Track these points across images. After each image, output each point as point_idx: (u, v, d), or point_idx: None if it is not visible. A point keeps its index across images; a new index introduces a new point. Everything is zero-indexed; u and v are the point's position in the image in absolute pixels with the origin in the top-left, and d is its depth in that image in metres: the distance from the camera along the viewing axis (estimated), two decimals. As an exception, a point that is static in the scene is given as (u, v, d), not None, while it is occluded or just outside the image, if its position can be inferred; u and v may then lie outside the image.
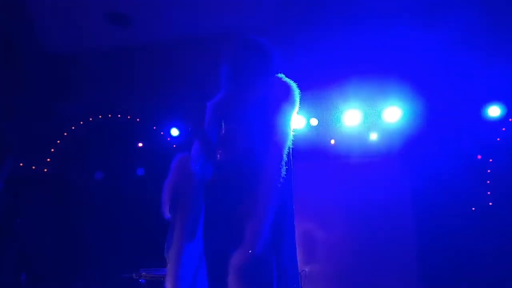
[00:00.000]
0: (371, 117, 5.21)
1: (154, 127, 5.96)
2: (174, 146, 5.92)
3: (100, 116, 5.94)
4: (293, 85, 2.23)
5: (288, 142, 2.10)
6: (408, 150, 5.22)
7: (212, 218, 2.18)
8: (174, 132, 5.87)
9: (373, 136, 5.34)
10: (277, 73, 2.29)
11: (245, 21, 4.77)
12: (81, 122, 5.94)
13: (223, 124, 2.30)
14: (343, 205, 5.14)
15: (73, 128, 5.90)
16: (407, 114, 5.12)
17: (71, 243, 5.49)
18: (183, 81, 5.15)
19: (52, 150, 5.80)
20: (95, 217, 5.58)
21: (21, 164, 5.57)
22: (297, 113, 2.20)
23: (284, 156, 2.07)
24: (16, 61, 5.06)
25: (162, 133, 5.94)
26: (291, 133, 2.13)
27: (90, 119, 5.96)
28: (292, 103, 2.17)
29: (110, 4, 4.81)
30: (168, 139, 5.92)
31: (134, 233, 5.41)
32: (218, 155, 2.26)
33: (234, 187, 2.12)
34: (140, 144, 5.75)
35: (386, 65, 4.75)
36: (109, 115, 5.94)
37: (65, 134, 5.88)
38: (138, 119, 5.91)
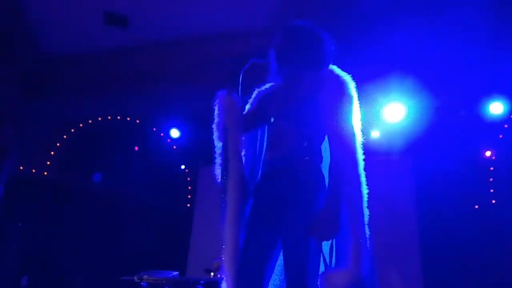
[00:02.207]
0: (372, 115, 5.11)
1: (154, 129, 6.00)
2: (175, 147, 5.96)
3: (99, 119, 5.97)
4: (348, 77, 2.12)
5: (359, 137, 2.02)
6: (410, 148, 5.17)
7: (261, 222, 2.05)
8: (174, 133, 5.88)
9: (375, 134, 5.31)
10: (330, 64, 2.17)
11: (247, 19, 4.72)
12: (81, 125, 5.96)
13: (271, 119, 2.19)
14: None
15: (72, 130, 5.91)
16: (409, 111, 5.04)
17: (72, 245, 5.48)
18: (183, 82, 5.12)
19: (52, 153, 5.81)
20: (96, 219, 5.59)
21: (21, 168, 5.58)
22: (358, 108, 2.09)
23: (360, 152, 1.99)
24: (15, 64, 5.04)
25: (162, 134, 5.97)
26: (359, 129, 2.04)
27: (90, 121, 5.97)
28: (350, 97, 2.05)
29: (108, 5, 4.76)
30: (168, 140, 5.95)
31: (136, 236, 5.41)
32: (267, 154, 2.17)
33: (291, 188, 2.02)
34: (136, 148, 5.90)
35: (388, 61, 4.65)
36: (109, 117, 5.96)
37: (65, 137, 5.90)
38: (137, 121, 5.93)
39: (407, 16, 4.50)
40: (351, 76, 2.09)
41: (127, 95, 5.63)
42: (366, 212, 1.95)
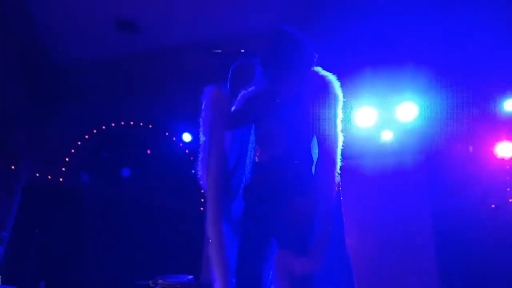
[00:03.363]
0: (384, 114, 5.04)
1: (167, 133, 5.97)
2: (187, 151, 5.89)
3: (113, 124, 5.95)
4: (333, 78, 2.17)
5: (341, 138, 2.08)
6: (423, 148, 5.11)
7: (254, 223, 2.10)
8: (186, 137, 5.86)
9: (386, 136, 5.21)
10: (313, 66, 2.23)
11: (253, 22, 4.61)
12: (95, 131, 5.95)
13: (258, 121, 2.24)
14: (356, 209, 4.91)
15: (86, 137, 5.92)
16: (423, 110, 4.94)
17: (87, 250, 5.51)
18: (193, 86, 4.62)
19: (67, 159, 5.82)
20: (110, 224, 5.61)
21: (37, 175, 5.61)
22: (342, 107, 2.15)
23: (339, 154, 2.05)
24: (27, 72, 5.07)
25: (174, 138, 5.95)
26: (341, 130, 2.10)
27: (103, 127, 5.96)
28: (335, 97, 2.11)
29: (118, 11, 4.77)
30: (181, 144, 5.92)
31: (150, 240, 5.45)
32: (257, 156, 2.19)
33: (282, 189, 2.06)
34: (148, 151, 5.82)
35: (400, 57, 4.57)
36: (122, 123, 5.94)
37: (79, 143, 5.90)
38: (150, 126, 5.92)
39: (419, 13, 4.46)
40: (337, 75, 2.14)
41: (139, 101, 5.62)
42: (337, 214, 2.02)
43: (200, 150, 2.18)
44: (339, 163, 2.05)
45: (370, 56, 4.71)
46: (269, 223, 2.04)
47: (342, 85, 2.16)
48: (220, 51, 2.20)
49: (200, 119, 2.19)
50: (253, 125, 2.32)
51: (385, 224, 4.96)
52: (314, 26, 4.51)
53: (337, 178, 2.03)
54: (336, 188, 2.01)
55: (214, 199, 2.06)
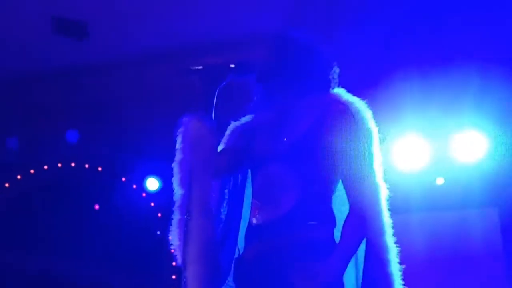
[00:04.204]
0: (439, 151, 4.97)
1: (123, 179, 5.87)
2: (152, 205, 5.83)
3: (45, 167, 5.83)
4: (361, 104, 2.09)
5: (383, 188, 2.02)
6: (496, 202, 5.07)
7: None
8: (152, 184, 5.81)
9: (442, 181, 5.12)
10: (333, 87, 2.18)
11: (248, 24, 4.71)
12: (18, 177, 5.81)
13: (257, 166, 2.19)
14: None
15: (6, 185, 5.80)
16: (494, 145, 4.87)
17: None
18: (164, 113, 4.69)
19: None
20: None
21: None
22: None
23: (383, 210, 2.00)
24: None
25: (134, 186, 5.87)
26: (381, 177, 2.04)
27: (32, 171, 5.81)
28: (367, 131, 2.05)
29: (56, 8, 4.65)
30: (143, 194, 5.86)
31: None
32: (255, 216, 2.13)
33: (290, 265, 2.00)
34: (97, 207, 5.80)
35: (459, 68, 4.55)
36: (59, 165, 5.84)
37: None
38: (99, 168, 5.83)
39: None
40: (367, 102, 2.10)
41: (84, 132, 5.57)
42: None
43: (174, 208, 2.13)
44: (386, 224, 1.99)
45: (415, 67, 4.63)
46: None
47: (376, 113, 2.09)
48: (201, 67, 2.17)
49: (175, 163, 2.15)
50: (250, 171, 2.27)
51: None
52: (333, 28, 4.52)
53: (390, 249, 1.97)
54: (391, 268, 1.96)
55: (196, 281, 2.01)
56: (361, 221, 1.96)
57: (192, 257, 2.03)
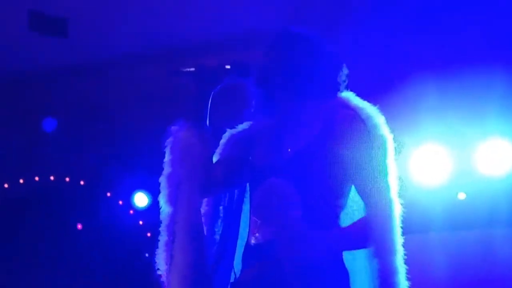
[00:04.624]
0: (461, 163, 4.80)
1: (108, 194, 5.74)
2: (141, 223, 5.70)
3: (21, 181, 5.75)
4: (373, 110, 2.07)
5: (397, 205, 1.99)
6: None
7: None
8: (140, 200, 5.69)
9: (464, 196, 4.93)
10: (341, 91, 2.15)
11: (246, 20, 4.71)
12: None
13: (256, 180, 2.15)
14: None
15: None
16: None
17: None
18: (151, 120, 4.72)
19: None
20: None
21: None
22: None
23: (396, 229, 1.98)
24: None
25: (120, 202, 5.73)
26: (396, 192, 2.02)
27: (6, 185, 5.77)
28: (381, 141, 2.02)
29: (33, 3, 4.64)
30: (131, 212, 5.73)
31: None
32: (254, 236, 2.12)
33: None
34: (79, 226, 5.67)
35: (484, 68, 4.44)
36: (36, 178, 5.73)
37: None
38: (82, 182, 5.68)
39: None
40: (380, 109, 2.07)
41: (63, 140, 5.43)
42: None
43: (161, 228, 2.10)
44: (397, 243, 1.95)
45: (434, 67, 4.56)
46: None
47: (390, 120, 2.08)
48: (193, 69, 2.16)
49: (162, 177, 2.14)
50: (248, 185, 2.26)
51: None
52: (339, 23, 4.48)
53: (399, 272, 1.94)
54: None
55: None
56: (368, 236, 1.96)
57: (179, 284, 2.01)
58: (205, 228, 2.19)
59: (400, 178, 2.05)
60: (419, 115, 4.66)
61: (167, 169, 2.13)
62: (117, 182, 5.72)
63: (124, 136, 5.32)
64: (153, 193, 5.40)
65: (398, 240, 1.96)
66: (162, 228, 2.11)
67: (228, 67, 2.15)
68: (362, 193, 2.04)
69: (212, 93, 2.17)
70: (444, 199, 4.92)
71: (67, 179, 5.73)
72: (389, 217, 1.98)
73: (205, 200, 2.22)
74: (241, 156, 2.25)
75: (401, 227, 1.99)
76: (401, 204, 2.01)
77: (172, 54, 4.88)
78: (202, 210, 2.21)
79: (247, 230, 2.20)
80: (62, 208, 5.66)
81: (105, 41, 4.96)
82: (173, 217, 2.10)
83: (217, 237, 2.24)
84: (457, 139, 4.83)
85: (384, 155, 2.02)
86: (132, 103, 5.19)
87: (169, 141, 2.14)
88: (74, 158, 5.61)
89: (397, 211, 1.98)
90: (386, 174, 2.01)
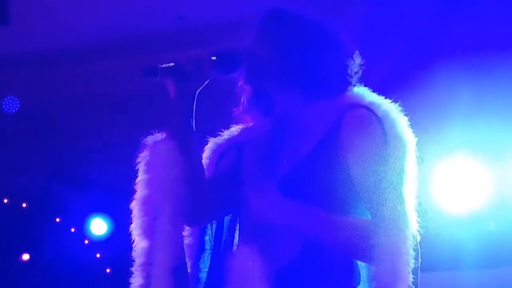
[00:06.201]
0: (497, 183, 4.40)
1: (57, 219, 5.46)
2: (98, 256, 5.41)
3: None
4: (393, 108, 1.79)
5: (414, 223, 1.71)
6: None
7: None
8: (98, 228, 5.43)
9: (500, 225, 4.64)
10: (351, 85, 1.87)
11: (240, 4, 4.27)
12: None
13: (247, 199, 1.88)
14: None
15: None
16: None
17: None
18: (113, 126, 4.88)
19: None
20: None
21: None
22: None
23: (410, 257, 1.68)
24: None
25: (72, 230, 5.47)
26: (413, 208, 1.73)
27: None
28: (400, 144, 1.76)
29: None
30: (86, 242, 5.48)
31: None
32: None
33: None
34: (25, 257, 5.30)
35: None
36: None
37: None
38: (24, 205, 5.41)
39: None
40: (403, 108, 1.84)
41: (3, 155, 5.13)
42: None
43: (135, 267, 1.83)
44: (403, 270, 1.66)
45: (465, 62, 4.21)
46: None
47: (410, 125, 1.78)
48: (172, 63, 1.85)
49: (134, 202, 1.86)
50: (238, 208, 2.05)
51: None
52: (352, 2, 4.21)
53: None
54: None
55: None
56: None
57: None
58: (188, 264, 1.96)
59: (420, 203, 1.76)
60: (446, 119, 4.32)
61: (141, 192, 1.87)
62: (68, 205, 5.39)
63: (78, 148, 5.03)
64: (114, 219, 5.37)
65: (405, 268, 1.68)
66: (136, 269, 1.85)
67: (214, 58, 1.90)
68: (370, 209, 1.79)
69: (197, 92, 1.96)
70: (477, 227, 4.57)
71: (6, 200, 5.38)
72: (396, 232, 1.74)
73: (188, 229, 1.96)
74: (230, 171, 2.01)
75: (420, 262, 1.72)
76: (421, 233, 1.76)
77: (144, 46, 4.60)
78: (185, 241, 1.95)
79: None
80: (1, 237, 5.31)
81: (54, 29, 4.59)
82: (149, 254, 1.87)
83: (203, 275, 1.98)
84: (494, 149, 4.48)
85: (403, 160, 1.79)
86: (89, 108, 4.89)
87: (143, 156, 1.89)
88: (16, 176, 5.26)
89: (410, 231, 1.71)
90: (401, 182, 1.77)
